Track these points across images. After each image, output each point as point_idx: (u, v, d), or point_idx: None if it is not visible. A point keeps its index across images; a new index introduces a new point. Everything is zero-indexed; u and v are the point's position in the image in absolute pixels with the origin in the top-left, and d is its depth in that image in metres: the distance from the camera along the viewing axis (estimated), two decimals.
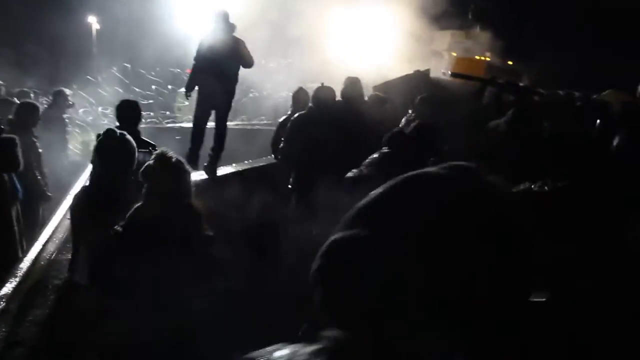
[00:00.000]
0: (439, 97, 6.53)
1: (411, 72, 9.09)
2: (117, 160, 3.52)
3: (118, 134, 3.61)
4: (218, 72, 6.90)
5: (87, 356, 3.93)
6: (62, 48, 18.95)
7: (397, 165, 3.22)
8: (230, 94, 7.20)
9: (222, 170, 7.19)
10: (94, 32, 28.11)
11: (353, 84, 5.90)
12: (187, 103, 12.98)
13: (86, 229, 3.47)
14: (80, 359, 4.04)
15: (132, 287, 2.86)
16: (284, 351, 0.99)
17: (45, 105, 8.30)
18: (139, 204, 3.08)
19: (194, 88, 7.15)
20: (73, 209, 3.77)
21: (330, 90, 5.57)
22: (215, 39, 7.00)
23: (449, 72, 6.18)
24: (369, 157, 4.21)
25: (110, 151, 3.54)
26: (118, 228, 3.01)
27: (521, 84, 6.37)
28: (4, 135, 5.28)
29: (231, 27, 7.12)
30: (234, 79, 7.12)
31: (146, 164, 3.14)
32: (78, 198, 3.70)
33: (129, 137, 3.63)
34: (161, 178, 3.03)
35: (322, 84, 5.77)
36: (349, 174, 4.14)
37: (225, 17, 7.11)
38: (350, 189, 3.81)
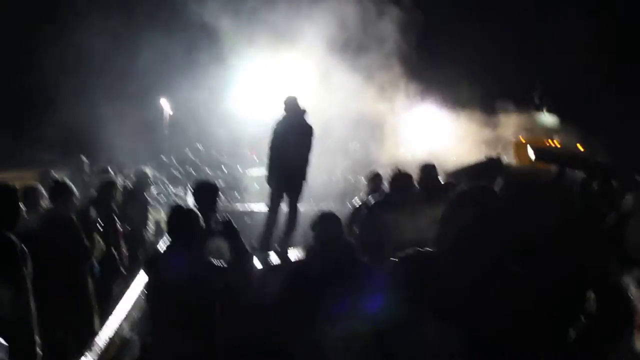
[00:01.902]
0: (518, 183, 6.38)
1: (481, 158, 9.02)
2: (182, 230, 3.93)
3: (184, 207, 4.11)
4: (292, 159, 7.05)
5: None
6: (136, 129, 19.90)
7: None
8: (304, 178, 7.31)
9: (293, 253, 7.20)
10: (165, 114, 29.48)
11: (429, 170, 5.87)
12: (255, 185, 13.27)
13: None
14: None
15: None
16: None
17: (125, 184, 8.61)
18: (309, 247, 4.46)
19: (273, 177, 7.31)
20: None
21: (408, 177, 5.55)
22: (288, 127, 7.19)
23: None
24: None
25: (174, 223, 3.99)
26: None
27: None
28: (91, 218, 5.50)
29: (302, 113, 7.31)
30: (307, 165, 7.25)
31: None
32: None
33: (193, 209, 4.08)
34: (322, 227, 4.24)
35: (398, 168, 5.76)
36: None
37: (296, 104, 7.31)
38: None
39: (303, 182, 7.34)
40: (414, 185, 5.59)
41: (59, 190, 5.43)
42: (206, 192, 5.04)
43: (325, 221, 4.47)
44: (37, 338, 2.87)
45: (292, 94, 7.42)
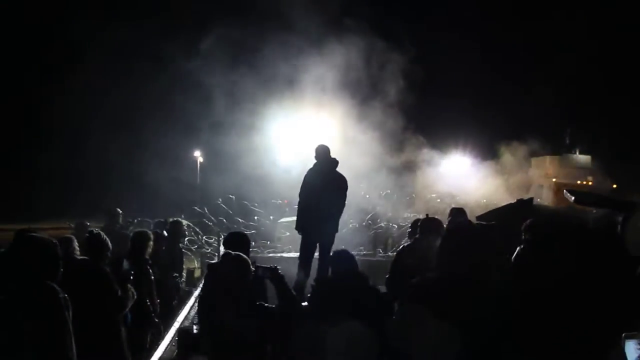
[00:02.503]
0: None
1: (513, 200, 8.92)
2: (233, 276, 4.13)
3: (233, 254, 4.29)
4: (323, 208, 7.07)
5: None
6: (171, 180, 20.31)
7: None
8: (335, 227, 7.31)
9: None
10: (198, 165, 30.08)
11: (459, 215, 5.86)
12: (287, 234, 13.32)
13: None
14: None
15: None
16: None
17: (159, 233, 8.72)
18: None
19: (303, 226, 7.34)
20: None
21: (437, 222, 5.55)
22: (319, 175, 7.24)
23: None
24: None
25: (226, 269, 4.20)
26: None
27: None
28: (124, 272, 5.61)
29: (334, 163, 7.32)
30: (338, 213, 7.25)
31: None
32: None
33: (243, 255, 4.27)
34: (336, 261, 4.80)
35: (427, 215, 5.77)
36: None
37: (327, 154, 7.33)
38: None
39: (334, 230, 7.33)
40: (443, 230, 5.57)
41: (93, 242, 5.55)
42: (237, 241, 5.13)
43: (338, 257, 4.80)
44: None
45: (323, 143, 7.45)
